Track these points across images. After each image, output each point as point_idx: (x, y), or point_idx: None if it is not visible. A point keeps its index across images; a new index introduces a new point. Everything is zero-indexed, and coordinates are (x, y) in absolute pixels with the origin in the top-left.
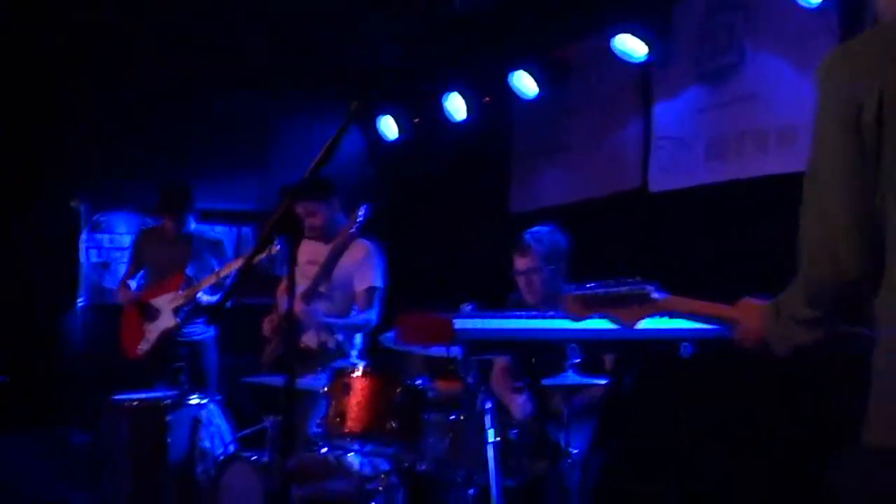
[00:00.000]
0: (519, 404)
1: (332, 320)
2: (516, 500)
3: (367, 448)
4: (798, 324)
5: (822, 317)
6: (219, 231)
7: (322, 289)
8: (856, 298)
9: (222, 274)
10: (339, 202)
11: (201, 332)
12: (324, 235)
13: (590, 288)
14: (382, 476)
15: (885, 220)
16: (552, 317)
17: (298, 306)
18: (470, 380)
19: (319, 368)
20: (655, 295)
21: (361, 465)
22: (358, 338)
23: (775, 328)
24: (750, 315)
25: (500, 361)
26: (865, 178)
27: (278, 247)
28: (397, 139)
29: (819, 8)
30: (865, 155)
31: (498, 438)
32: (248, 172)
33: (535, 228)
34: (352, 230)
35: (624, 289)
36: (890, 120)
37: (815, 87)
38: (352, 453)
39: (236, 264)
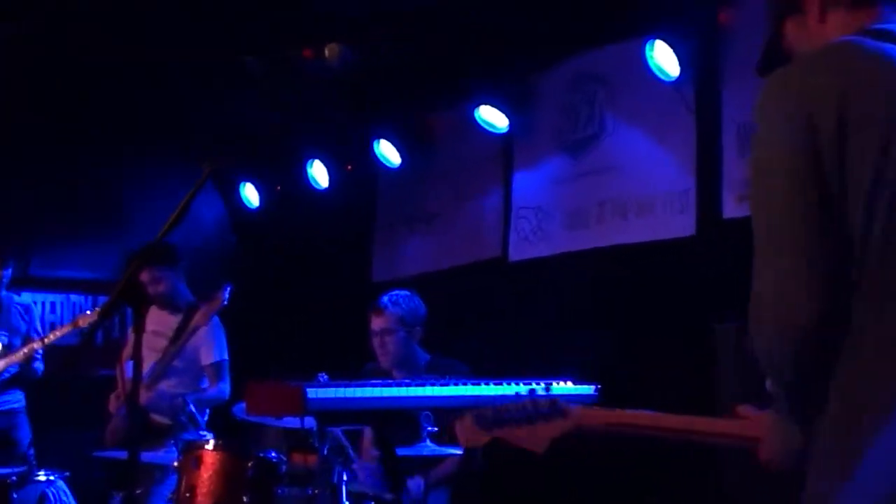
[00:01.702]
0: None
1: (180, 398)
2: None
3: None
4: (789, 412)
5: (781, 385)
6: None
7: (176, 363)
8: (814, 350)
9: (47, 340)
10: (184, 270)
11: (15, 400)
12: (167, 304)
13: (493, 408)
14: None
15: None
16: (406, 384)
17: (143, 396)
18: (325, 452)
19: (171, 442)
20: (573, 407)
21: None
22: (206, 410)
23: (782, 431)
24: (765, 432)
25: (369, 432)
26: (827, 199)
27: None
28: (259, 206)
29: (675, 82)
30: (825, 172)
31: None
32: (100, 239)
33: (394, 291)
34: (214, 312)
35: (533, 405)
36: (855, 136)
37: (757, 118)
38: None
39: (62, 331)
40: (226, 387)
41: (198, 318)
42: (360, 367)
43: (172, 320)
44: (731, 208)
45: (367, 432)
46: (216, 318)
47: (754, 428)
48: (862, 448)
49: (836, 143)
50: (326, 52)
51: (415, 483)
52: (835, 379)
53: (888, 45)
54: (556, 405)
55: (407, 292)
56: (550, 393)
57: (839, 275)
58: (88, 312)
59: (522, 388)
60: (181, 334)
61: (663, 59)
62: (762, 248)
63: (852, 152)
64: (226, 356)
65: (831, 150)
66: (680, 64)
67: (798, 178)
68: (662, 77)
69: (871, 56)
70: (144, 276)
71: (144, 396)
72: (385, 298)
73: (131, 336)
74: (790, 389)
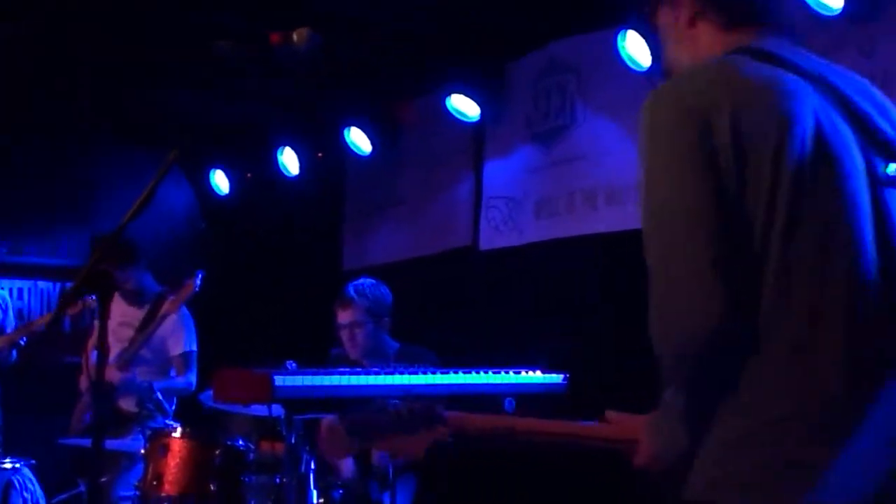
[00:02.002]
0: (345, 463)
1: (147, 383)
2: None
3: None
4: (679, 419)
5: (688, 402)
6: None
7: (144, 353)
8: (717, 359)
9: (33, 327)
10: (147, 263)
11: None
12: (135, 297)
13: (366, 416)
14: None
15: (762, 259)
16: (375, 372)
17: (115, 374)
18: (292, 440)
19: (137, 429)
20: (447, 414)
21: None
22: (174, 399)
23: (663, 437)
24: (638, 430)
25: (328, 420)
26: (724, 216)
27: (90, 300)
28: (229, 194)
29: (647, 73)
30: (723, 181)
31: (321, 500)
32: (69, 226)
33: (359, 281)
34: (186, 298)
35: (409, 413)
36: (749, 146)
37: (645, 130)
38: None
39: (46, 318)
40: (192, 377)
41: (168, 305)
42: (326, 354)
43: (139, 312)
44: None
45: (326, 419)
46: (185, 310)
47: (630, 431)
48: (759, 446)
49: (732, 155)
50: (295, 37)
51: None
52: (737, 383)
53: (772, 68)
54: (433, 412)
55: (372, 280)
56: (426, 402)
57: (741, 278)
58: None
59: (492, 377)
60: (149, 322)
61: (635, 49)
62: (661, 252)
63: (748, 157)
64: (194, 347)
65: (727, 163)
66: (652, 54)
67: (695, 187)
68: (634, 67)
69: (759, 77)
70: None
71: (117, 376)
72: (351, 290)
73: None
74: (692, 394)
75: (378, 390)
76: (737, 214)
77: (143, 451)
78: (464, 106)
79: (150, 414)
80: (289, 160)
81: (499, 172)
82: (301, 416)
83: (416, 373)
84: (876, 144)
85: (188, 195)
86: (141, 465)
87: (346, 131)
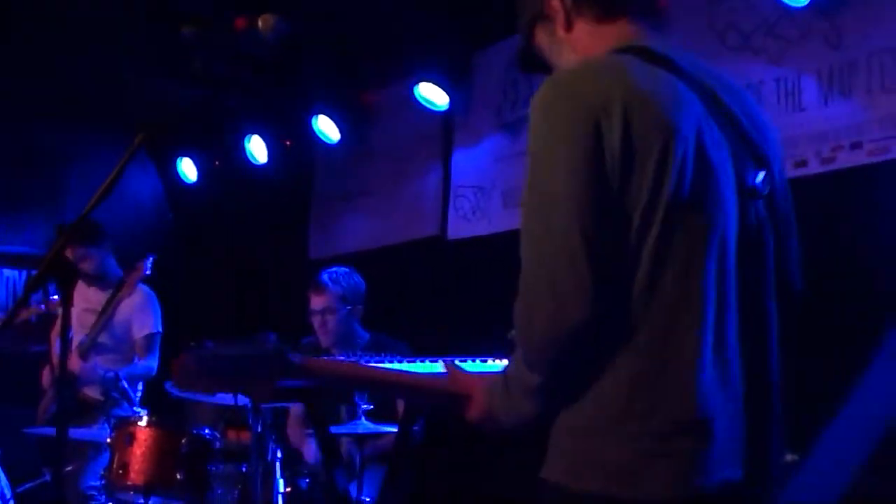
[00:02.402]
0: (308, 450)
1: (113, 373)
2: None
3: (152, 501)
4: (522, 392)
5: (545, 382)
6: None
7: (102, 339)
8: (581, 348)
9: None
10: (110, 246)
11: None
12: (97, 281)
13: (207, 349)
14: None
15: (637, 248)
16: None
17: (76, 363)
18: (259, 429)
19: (103, 418)
20: (294, 358)
21: None
22: (140, 386)
23: (503, 402)
24: (474, 387)
25: (296, 408)
26: (605, 212)
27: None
28: (196, 182)
29: None
30: (607, 177)
31: (288, 489)
32: (34, 214)
33: (333, 268)
34: (136, 282)
35: (251, 351)
36: (636, 150)
37: (538, 118)
38: None
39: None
40: (154, 362)
41: (121, 290)
42: (297, 343)
43: (102, 297)
44: None
45: (295, 409)
46: (151, 292)
47: (466, 387)
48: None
49: (619, 157)
50: (260, 24)
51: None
52: (602, 373)
53: (660, 72)
54: (282, 356)
55: (347, 269)
56: (279, 344)
57: (613, 273)
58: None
59: (460, 366)
60: (108, 308)
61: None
62: (540, 239)
63: (634, 160)
64: (159, 329)
65: (613, 162)
66: None
67: (581, 178)
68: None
69: (648, 81)
70: (70, 254)
71: (77, 365)
72: (325, 276)
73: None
74: (551, 378)
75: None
76: (616, 212)
77: (108, 441)
78: (433, 95)
79: (115, 402)
80: (256, 148)
81: (467, 161)
82: (267, 405)
83: (382, 361)
84: (748, 152)
85: (155, 183)
86: (107, 455)
87: (313, 119)
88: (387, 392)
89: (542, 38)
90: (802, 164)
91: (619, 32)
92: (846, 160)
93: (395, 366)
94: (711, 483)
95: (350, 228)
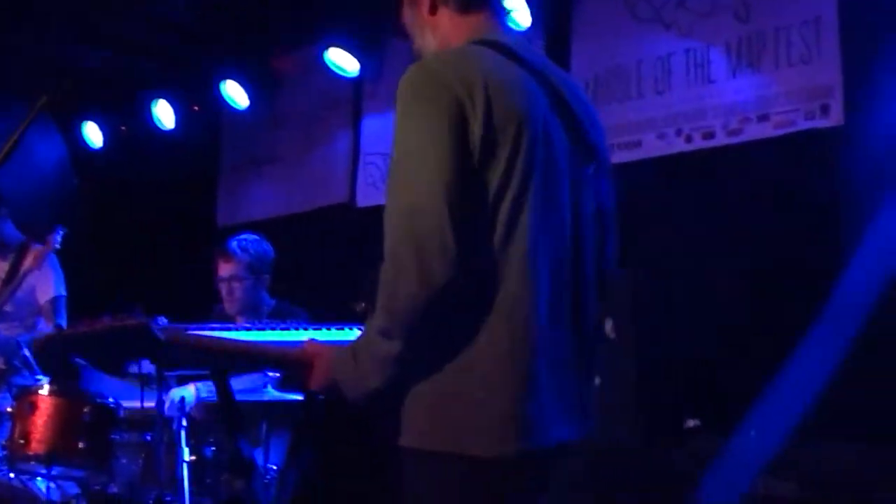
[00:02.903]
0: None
1: (20, 339)
2: None
3: (54, 470)
4: (373, 363)
5: (402, 350)
6: None
7: (7, 308)
8: (442, 311)
9: None
10: (7, 212)
11: None
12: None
13: (81, 325)
14: (71, 501)
15: (494, 224)
16: (246, 329)
17: None
18: (163, 397)
19: (4, 387)
20: (159, 333)
21: (48, 490)
22: None
23: (351, 373)
24: (318, 357)
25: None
26: (466, 189)
27: None
28: (102, 147)
29: (526, 33)
30: (470, 154)
31: (192, 458)
32: None
33: (242, 236)
34: (46, 255)
35: (118, 324)
36: (493, 137)
37: (407, 99)
38: (39, 478)
39: None
40: (62, 324)
41: (29, 261)
42: (209, 310)
43: (3, 264)
44: None
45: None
46: (52, 256)
47: (308, 356)
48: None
49: (480, 141)
50: None
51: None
52: (458, 338)
53: (513, 66)
54: (147, 329)
55: (255, 236)
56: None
57: (473, 244)
58: None
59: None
60: (13, 277)
61: (515, 8)
62: (406, 210)
63: (492, 141)
64: (63, 292)
65: (474, 145)
66: (532, 15)
67: (446, 153)
68: (513, 26)
69: (504, 73)
70: None
71: None
72: (234, 244)
73: None
74: (411, 345)
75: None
76: (476, 186)
77: (9, 409)
78: (342, 61)
79: (16, 371)
80: (163, 113)
81: (377, 128)
82: (172, 373)
83: (287, 328)
84: (582, 145)
85: (60, 148)
86: (7, 424)
87: (221, 84)
88: (246, 362)
89: (408, 15)
90: (709, 135)
91: (477, 25)
92: (753, 132)
93: (250, 335)
94: (551, 440)
95: (259, 195)
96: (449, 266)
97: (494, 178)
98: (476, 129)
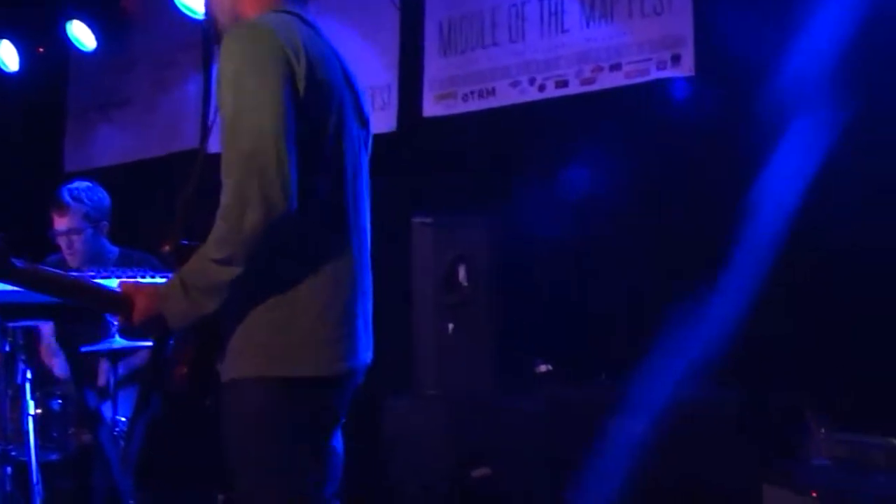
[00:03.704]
0: (56, 367)
1: None
2: (60, 473)
3: None
4: (208, 291)
5: (240, 275)
6: None
7: None
8: (280, 240)
9: None
10: None
11: None
12: None
13: None
14: None
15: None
16: (91, 277)
17: None
18: (7, 348)
19: None
20: (18, 262)
21: None
22: None
23: (181, 304)
24: (137, 294)
25: (47, 327)
26: (296, 124)
27: None
28: None
29: None
30: (297, 105)
31: (38, 410)
32: None
33: (73, 185)
34: None
35: None
36: (314, 99)
37: (238, 57)
38: None
39: None
40: None
41: None
42: (43, 260)
43: None
44: (431, 106)
45: (47, 328)
46: None
47: (127, 293)
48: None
49: (304, 98)
50: None
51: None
52: (289, 273)
53: (315, 36)
54: (4, 257)
55: (88, 183)
56: None
57: (304, 183)
58: None
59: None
60: None
61: None
62: (248, 151)
63: (312, 98)
64: None
65: (299, 92)
66: None
67: (280, 102)
68: None
69: (310, 35)
70: None
71: None
72: (66, 195)
73: None
74: (244, 276)
75: None
76: (303, 134)
77: None
78: (193, 2)
79: None
80: (7, 54)
81: None
82: (14, 324)
83: (135, 276)
84: (358, 113)
85: None
86: None
87: (67, 25)
88: (76, 298)
89: None
90: (563, 84)
91: None
92: (606, 81)
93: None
94: (357, 363)
95: (107, 140)
96: (289, 199)
97: (316, 127)
98: (301, 89)
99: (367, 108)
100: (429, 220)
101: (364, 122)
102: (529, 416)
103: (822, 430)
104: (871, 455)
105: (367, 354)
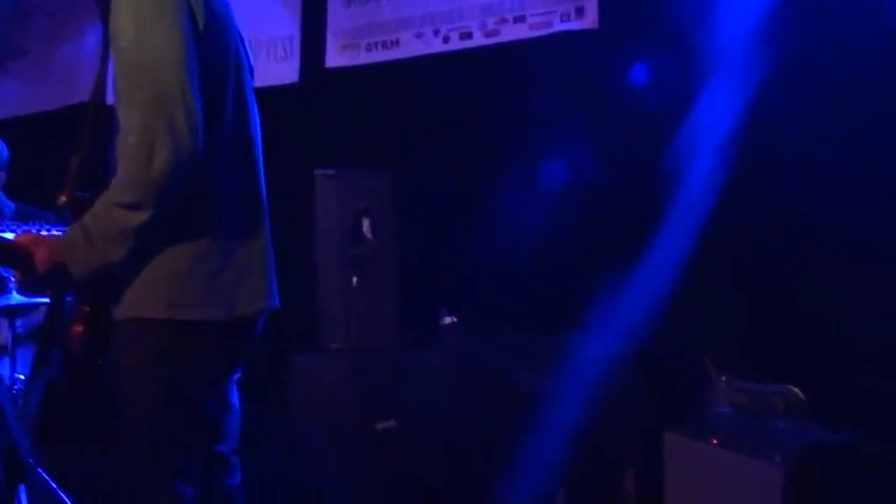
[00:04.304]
0: None
1: None
2: None
3: None
4: (115, 238)
5: (149, 220)
6: None
7: None
8: (188, 182)
9: None
10: None
11: None
12: None
13: None
14: None
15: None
16: None
17: None
18: None
19: None
20: None
21: None
22: None
23: (84, 252)
24: (35, 244)
25: None
26: (198, 66)
27: None
28: None
29: None
30: (197, 41)
31: None
32: None
33: None
34: None
35: None
36: (210, 41)
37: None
38: None
39: None
40: None
41: None
42: None
43: None
44: (334, 57)
45: None
46: None
47: (26, 244)
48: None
49: (203, 31)
50: None
51: None
52: (193, 218)
53: None
54: None
55: None
56: None
57: (211, 128)
58: None
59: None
60: None
61: None
62: (153, 94)
63: (211, 41)
64: None
65: (199, 35)
66: None
67: (182, 44)
68: None
69: None
70: None
71: None
72: None
73: None
74: (152, 219)
75: None
76: (205, 77)
77: None
78: None
79: None
80: None
81: None
82: None
83: (30, 229)
84: (247, 61)
85: None
86: None
87: None
88: None
89: None
90: (467, 35)
91: None
92: (510, 33)
93: None
94: (254, 310)
95: (3, 93)
96: (196, 138)
97: (215, 74)
98: (199, 27)
99: (252, 57)
100: (331, 172)
101: (251, 71)
102: (434, 368)
103: (723, 379)
104: (771, 402)
105: (265, 302)
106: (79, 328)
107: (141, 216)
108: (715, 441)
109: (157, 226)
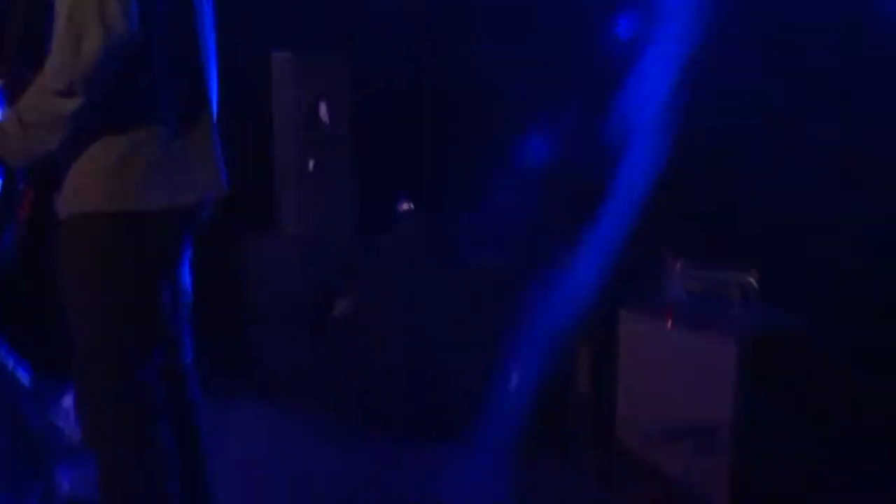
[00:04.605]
0: None
1: None
2: None
3: None
4: (49, 125)
5: (82, 106)
6: None
7: None
8: (119, 67)
9: None
10: None
11: None
12: None
13: None
14: None
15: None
16: None
17: None
18: None
19: None
20: None
21: None
22: None
23: (19, 140)
24: None
25: None
26: None
27: None
28: None
29: None
30: None
31: None
32: None
33: None
34: None
35: None
36: None
37: None
38: None
39: None
40: None
41: None
42: None
43: None
44: None
45: None
46: None
47: None
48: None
49: None
50: None
51: None
52: (128, 109)
53: None
54: None
55: None
56: None
57: (146, 8)
58: None
59: None
60: None
61: None
62: None
63: None
64: None
65: None
66: None
67: None
68: None
69: None
70: None
71: None
72: None
73: None
74: (87, 107)
75: None
76: None
77: None
78: None
79: None
80: None
81: None
82: None
83: None
84: None
85: None
86: None
87: None
88: None
89: None
90: None
91: None
92: None
93: None
94: (199, 198)
95: None
96: (129, 20)
97: None
98: None
99: None
100: (289, 54)
101: None
102: (390, 253)
103: (679, 266)
104: (726, 289)
105: (209, 191)
106: (25, 212)
107: (74, 103)
108: (670, 321)
109: (92, 112)
